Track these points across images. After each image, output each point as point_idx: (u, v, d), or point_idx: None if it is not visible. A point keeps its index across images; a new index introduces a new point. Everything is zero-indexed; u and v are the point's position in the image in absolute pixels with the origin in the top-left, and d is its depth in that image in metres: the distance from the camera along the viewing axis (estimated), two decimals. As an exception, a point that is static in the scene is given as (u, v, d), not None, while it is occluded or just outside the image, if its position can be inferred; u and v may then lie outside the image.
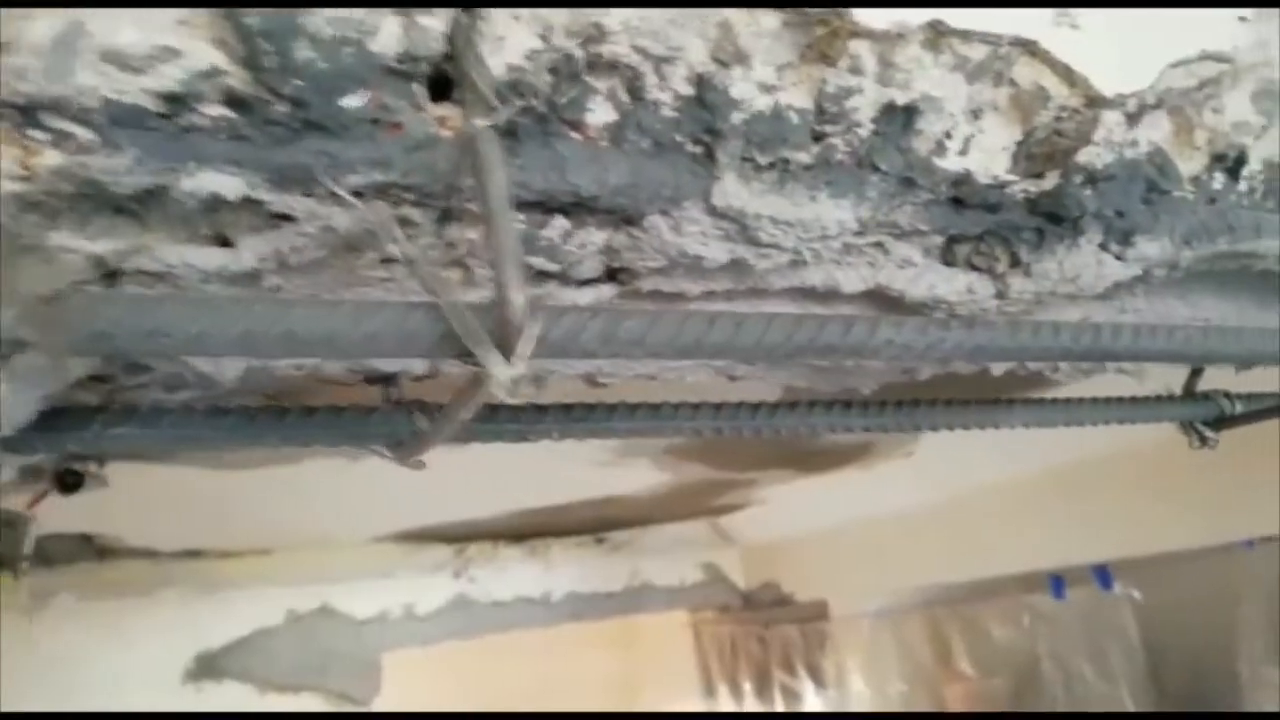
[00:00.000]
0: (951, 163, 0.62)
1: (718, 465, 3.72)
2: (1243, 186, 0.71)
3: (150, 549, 3.73)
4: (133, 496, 3.04)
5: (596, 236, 0.61)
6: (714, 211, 0.61)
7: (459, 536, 4.37)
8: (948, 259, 0.70)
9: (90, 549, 3.56)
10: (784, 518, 4.48)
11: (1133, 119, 0.68)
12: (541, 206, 0.58)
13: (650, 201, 0.59)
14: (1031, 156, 0.65)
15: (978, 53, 0.62)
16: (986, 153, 0.64)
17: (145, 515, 3.31)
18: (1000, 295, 0.71)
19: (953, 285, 0.70)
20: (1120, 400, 0.92)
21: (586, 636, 5.09)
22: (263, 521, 3.67)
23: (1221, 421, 0.91)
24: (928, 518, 3.97)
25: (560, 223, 0.59)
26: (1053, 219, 0.67)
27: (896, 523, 4.08)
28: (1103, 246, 0.71)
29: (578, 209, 0.59)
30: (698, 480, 3.95)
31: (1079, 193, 0.66)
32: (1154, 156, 0.70)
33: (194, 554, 3.88)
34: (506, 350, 0.49)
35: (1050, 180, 0.66)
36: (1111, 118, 0.66)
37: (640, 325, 0.55)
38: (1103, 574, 3.61)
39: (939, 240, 0.68)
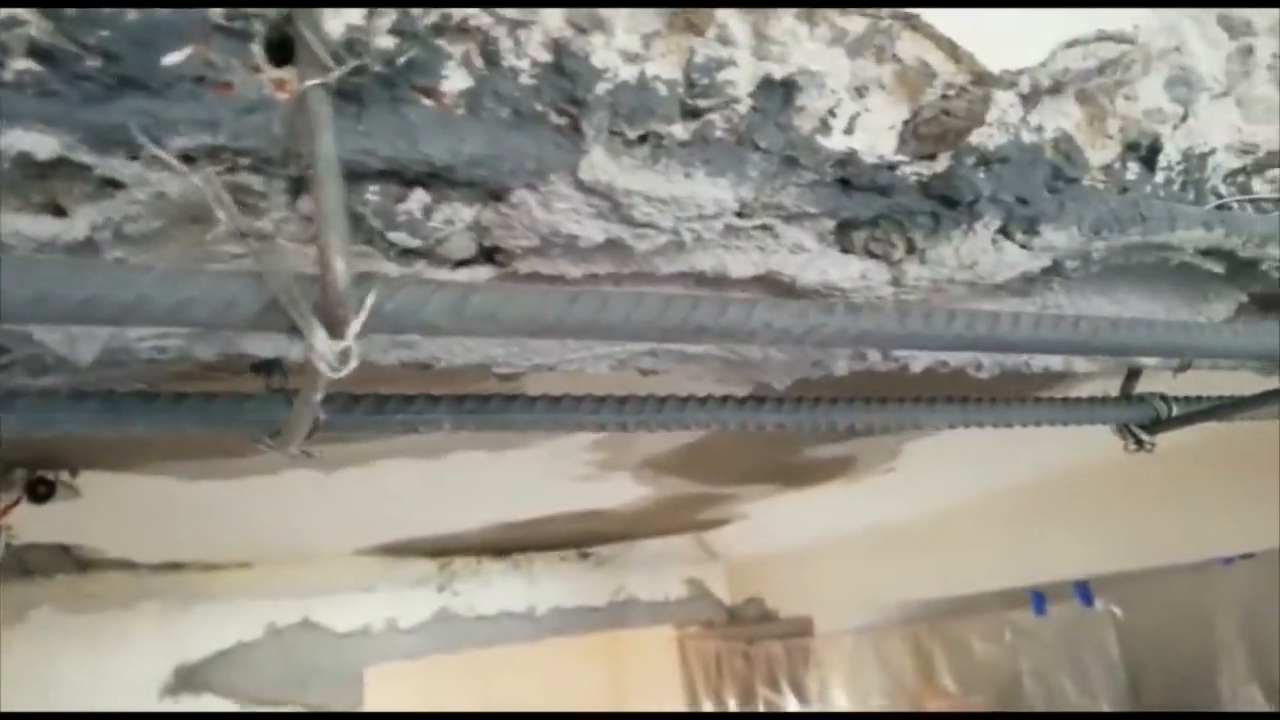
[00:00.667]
0: (836, 142, 0.60)
1: (698, 479, 3.68)
2: (1159, 177, 0.68)
3: (130, 561, 3.69)
4: (111, 507, 3.01)
5: (464, 212, 0.59)
6: (583, 187, 0.58)
7: (442, 550, 4.33)
8: (844, 244, 0.67)
9: (70, 560, 3.52)
10: (768, 533, 4.43)
11: (1029, 100, 0.65)
12: (397, 177, 0.55)
13: (513, 174, 0.56)
14: (921, 137, 0.62)
15: (856, 25, 0.59)
16: (873, 132, 0.61)
17: (124, 526, 3.28)
18: (896, 282, 0.68)
19: (846, 271, 0.67)
20: (1052, 402, 0.89)
21: (571, 651, 5.03)
22: (243, 534, 3.63)
23: (1157, 424, 0.87)
24: (910, 534, 3.92)
25: (420, 196, 0.56)
26: (947, 203, 0.64)
27: (879, 539, 4.03)
28: (1005, 233, 0.68)
29: (436, 181, 0.56)
30: (680, 494, 3.90)
31: (972, 175, 0.63)
32: (1061, 143, 0.68)
33: (175, 566, 3.84)
34: (332, 323, 0.46)
35: (942, 162, 0.63)
36: (1004, 98, 0.64)
37: (492, 300, 0.52)
38: (1084, 590, 3.55)
39: (831, 224, 0.65)
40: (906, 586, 3.97)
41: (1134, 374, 0.91)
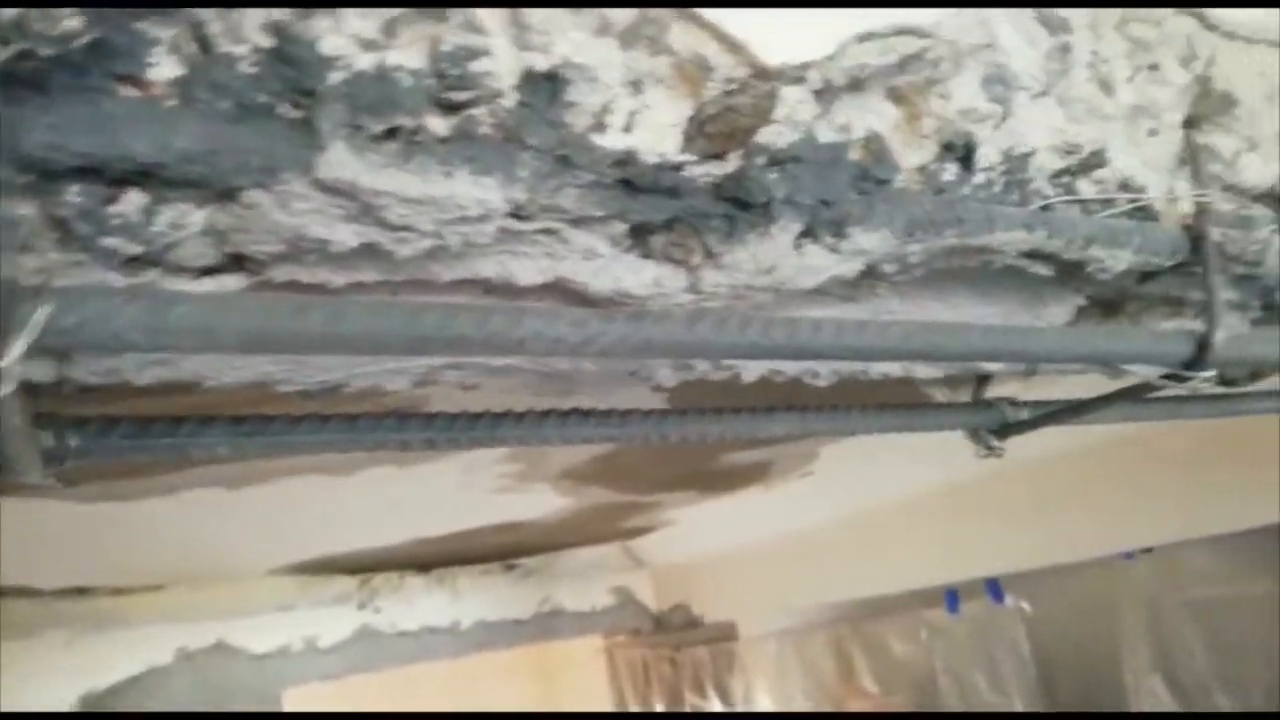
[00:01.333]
0: (613, 140, 0.55)
1: (619, 488, 3.63)
2: (979, 178, 0.64)
3: (31, 587, 3.51)
4: (7, 531, 2.85)
5: (194, 215, 0.53)
6: (323, 186, 0.52)
7: (362, 567, 4.21)
8: (643, 249, 0.63)
9: (-36, 589, 3.34)
10: (693, 539, 4.39)
11: (823, 97, 0.61)
12: (102, 176, 0.49)
13: (238, 172, 0.51)
14: (709, 135, 0.58)
15: (623, 15, 0.55)
16: (654, 130, 0.57)
17: (22, 552, 3.11)
18: (693, 289, 0.63)
19: (640, 278, 0.62)
20: (899, 408, 0.85)
21: (500, 665, 4.94)
22: (151, 556, 3.48)
23: (1007, 429, 0.84)
24: (829, 537, 3.92)
25: (134, 197, 0.50)
26: (740, 205, 0.60)
27: (800, 542, 4.02)
28: (811, 236, 0.64)
29: (150, 180, 0.50)
30: (602, 504, 3.85)
31: (763, 176, 0.59)
32: (870, 142, 0.64)
33: (81, 591, 3.67)
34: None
35: (732, 162, 0.59)
36: (792, 94, 0.59)
37: (202, 311, 0.46)
38: (994, 587, 3.58)
39: (622, 228, 0.61)
40: (827, 589, 3.97)
41: (983, 379, 0.87)
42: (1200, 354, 0.67)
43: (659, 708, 4.53)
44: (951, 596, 3.68)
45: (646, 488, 3.66)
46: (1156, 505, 3.04)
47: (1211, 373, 0.67)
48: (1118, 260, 0.67)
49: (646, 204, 0.59)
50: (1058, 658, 3.44)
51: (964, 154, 0.65)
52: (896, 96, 0.66)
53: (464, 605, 4.34)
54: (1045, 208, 0.66)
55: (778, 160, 0.59)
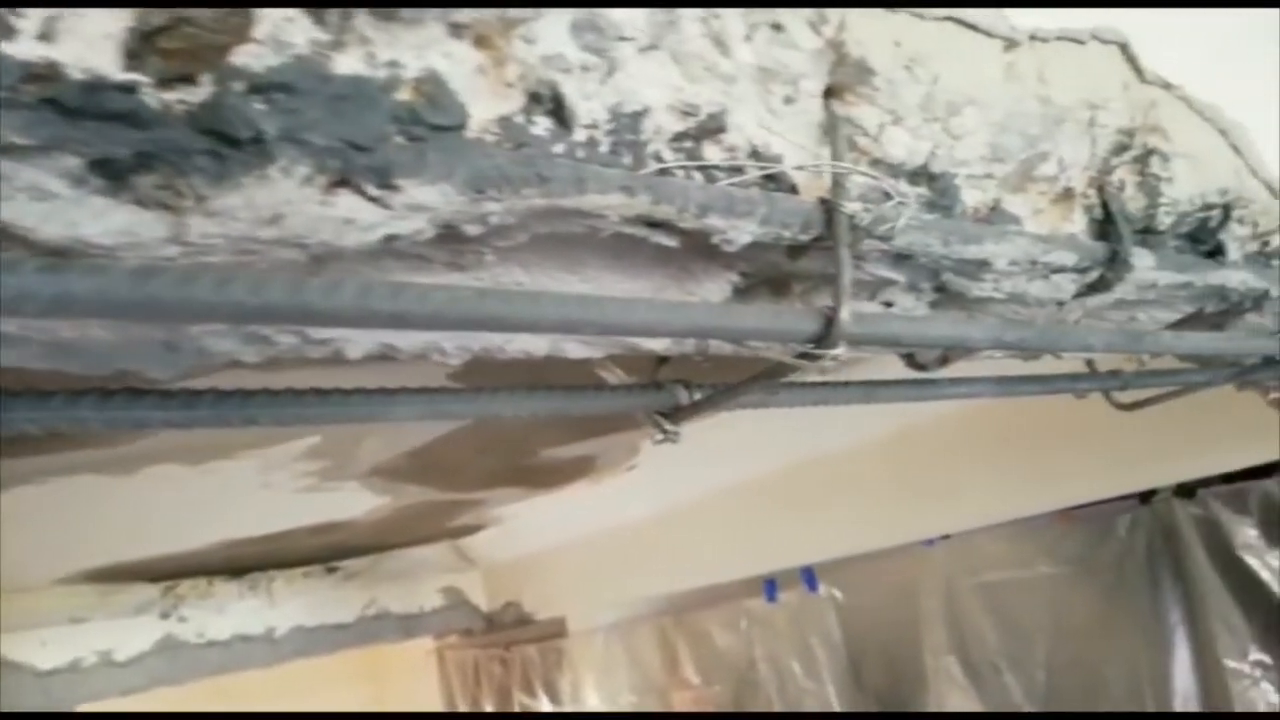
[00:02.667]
0: (26, 50, 0.45)
1: (438, 486, 3.51)
2: (580, 136, 0.58)
3: None
4: None
5: None
6: None
7: (167, 573, 3.92)
8: (121, 192, 0.52)
9: None
10: (523, 536, 4.31)
11: (333, 22, 0.52)
12: None
13: None
14: (165, 52, 0.48)
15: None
16: (85, 40, 0.46)
17: None
18: (178, 239, 0.54)
19: (104, 225, 0.52)
20: (560, 389, 0.78)
21: (328, 671, 4.71)
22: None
23: (679, 412, 0.79)
24: (655, 529, 3.91)
25: None
26: (228, 140, 0.50)
27: (626, 536, 4.00)
28: (347, 186, 0.54)
29: None
30: (422, 502, 3.72)
31: (244, 106, 0.49)
32: (424, 83, 0.54)
33: None
34: None
35: (205, 87, 0.49)
36: (277, 12, 0.50)
37: None
38: (809, 576, 3.65)
39: (77, 162, 0.50)
40: (652, 581, 3.96)
41: (663, 360, 0.82)
42: (828, 331, 0.63)
43: (488, 708, 4.42)
44: (770, 586, 3.74)
45: (467, 485, 3.56)
46: (955, 493, 3.16)
47: (839, 350, 0.64)
48: (741, 231, 0.63)
49: (95, 133, 0.49)
50: (866, 642, 3.54)
51: (554, 107, 0.58)
52: (476, 37, 0.58)
53: (280, 611, 4.11)
54: (663, 172, 0.61)
55: (260, 88, 0.50)
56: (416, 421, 0.73)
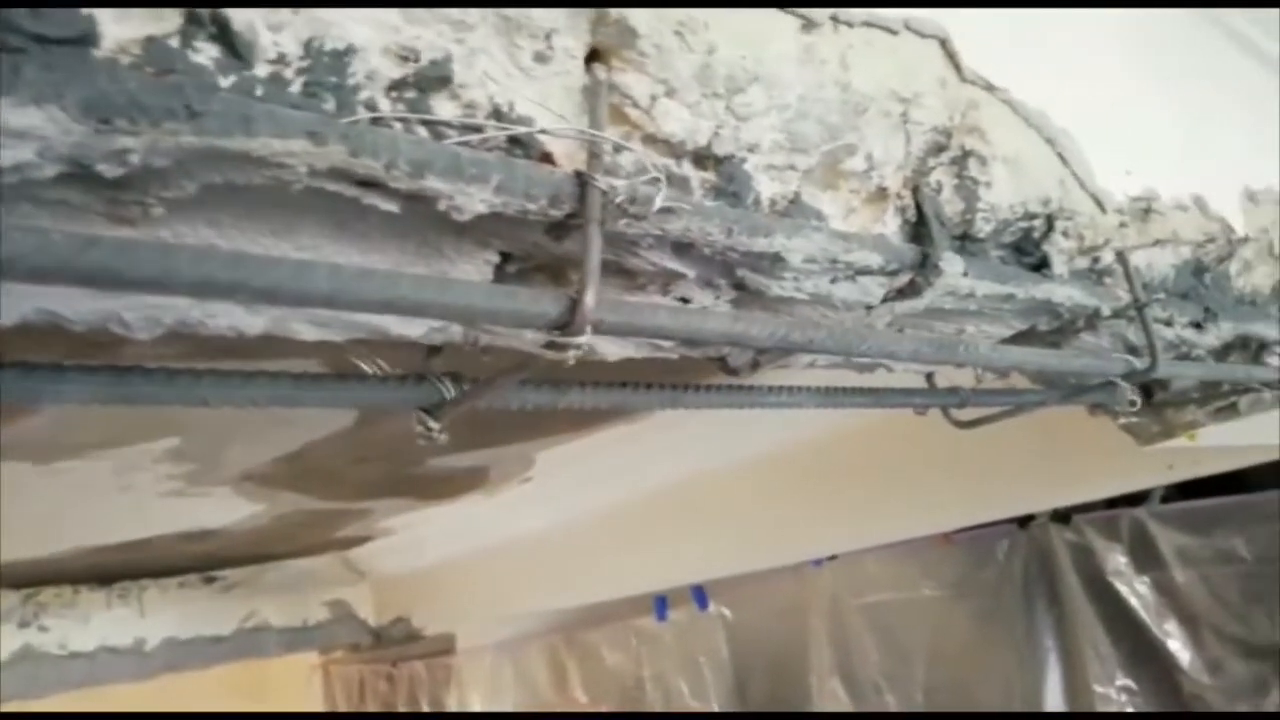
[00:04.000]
0: None
1: (317, 494, 3.35)
2: (261, 71, 0.50)
3: None
4: None
5: None
6: None
7: (26, 580, 3.66)
8: None
9: None
10: (414, 549, 4.15)
11: None
12: None
13: None
14: None
15: None
16: None
17: None
18: None
19: None
20: (300, 378, 0.68)
21: (203, 686, 4.46)
22: None
23: (443, 406, 0.70)
24: (547, 545, 3.80)
25: None
26: None
27: (520, 551, 3.88)
28: None
29: None
30: (302, 510, 3.54)
31: None
32: None
33: None
34: None
35: None
36: None
37: None
38: (700, 594, 3.59)
39: None
40: (544, 598, 3.85)
41: (435, 350, 0.74)
42: (572, 317, 0.56)
43: (372, 727, 4.25)
44: (661, 604, 3.67)
45: (350, 494, 3.40)
46: (843, 514, 3.13)
47: (584, 339, 0.56)
48: (471, 199, 0.55)
49: None
50: (754, 661, 3.49)
51: (220, 33, 0.49)
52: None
53: (151, 622, 3.88)
54: (376, 122, 0.53)
55: None
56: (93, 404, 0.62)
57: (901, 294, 0.83)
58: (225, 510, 3.30)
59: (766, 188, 0.74)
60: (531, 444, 3.21)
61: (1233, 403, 1.44)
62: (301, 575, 4.21)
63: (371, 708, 4.26)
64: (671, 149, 0.67)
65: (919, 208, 0.83)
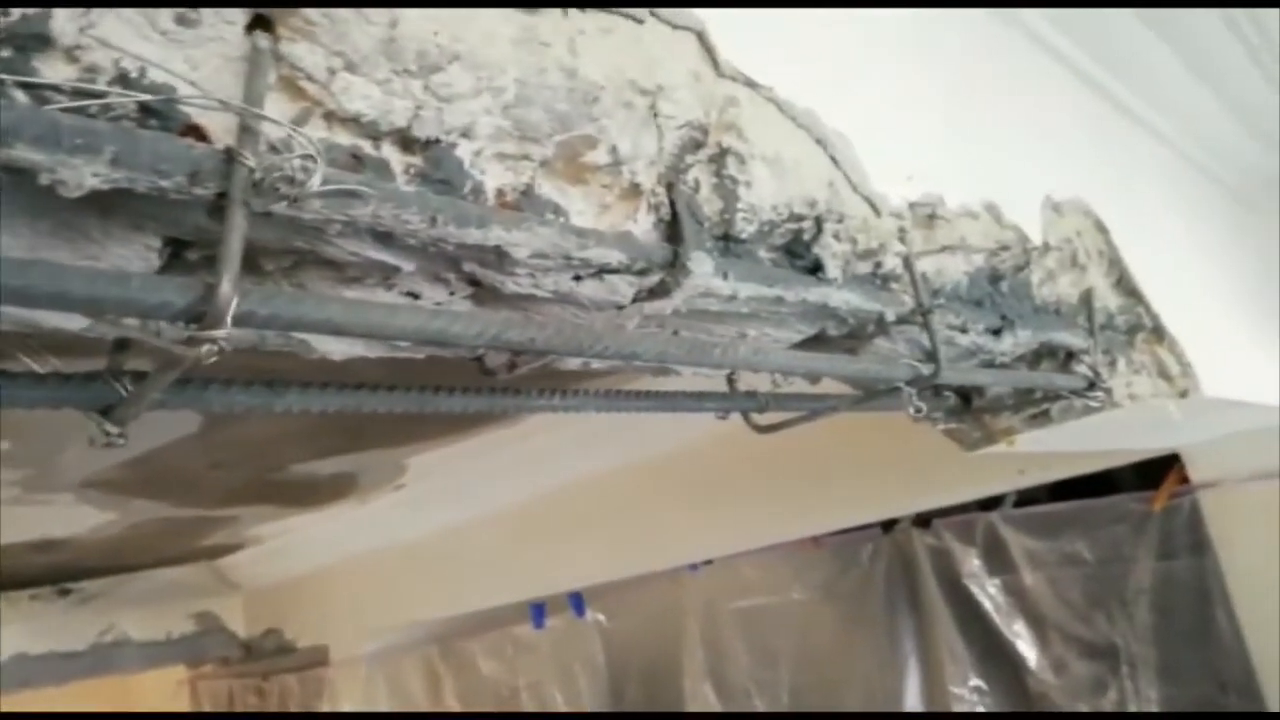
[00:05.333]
0: None
1: (173, 502, 3.17)
2: None
3: None
4: None
5: None
6: None
7: None
8: None
9: None
10: (288, 559, 3.99)
11: None
12: None
13: None
14: None
15: None
16: None
17: None
18: None
19: None
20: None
21: (62, 703, 4.20)
22: None
23: (120, 408, 0.63)
24: (423, 553, 3.70)
25: None
26: None
27: (394, 560, 3.76)
28: None
29: None
30: (159, 518, 3.36)
31: None
32: None
33: None
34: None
35: None
36: None
37: None
38: (577, 601, 3.54)
39: None
40: (421, 607, 3.74)
41: (122, 344, 0.66)
42: (208, 308, 0.50)
43: (241, 742, 4.05)
44: (538, 612, 3.60)
45: (209, 501, 3.24)
46: (718, 519, 3.12)
47: (223, 333, 0.50)
48: (77, 171, 0.48)
49: None
50: (629, 668, 3.46)
51: None
52: None
53: (1, 637, 3.62)
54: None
55: None
56: None
57: (652, 294, 0.79)
58: (71, 518, 3.10)
59: (493, 177, 0.69)
60: (400, 450, 3.11)
61: (1045, 409, 1.46)
62: (167, 586, 4.00)
63: (241, 723, 4.07)
64: (363, 129, 0.61)
65: (673, 206, 0.80)
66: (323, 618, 3.97)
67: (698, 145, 0.81)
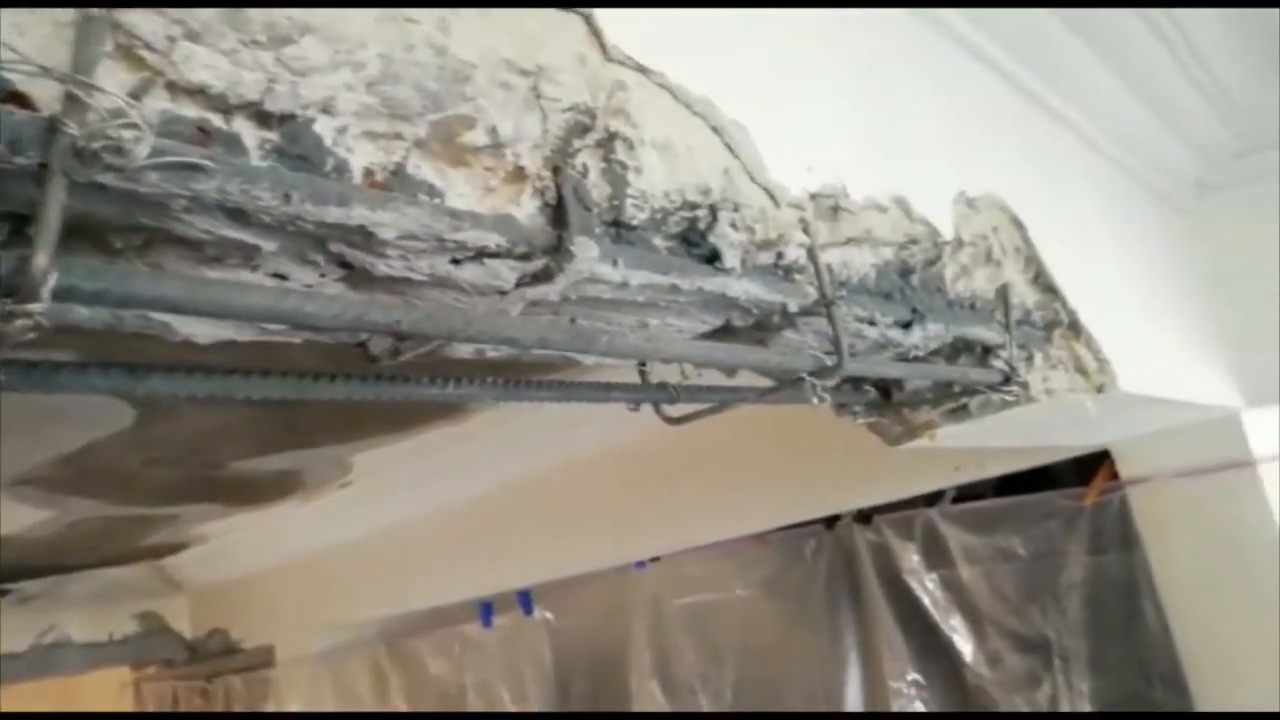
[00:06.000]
0: None
1: (111, 500, 3.10)
2: None
3: None
4: None
5: None
6: None
7: None
8: None
9: None
10: (233, 558, 3.91)
11: None
12: None
13: None
14: None
15: None
16: None
17: None
18: None
19: None
20: None
21: (4, 703, 4.08)
22: None
23: None
24: (371, 552, 3.65)
25: None
26: None
27: (342, 559, 3.71)
28: None
29: None
30: (100, 517, 3.28)
31: None
32: None
33: None
34: None
35: None
36: None
37: None
38: (525, 599, 3.51)
39: None
40: (367, 607, 3.69)
41: None
42: (21, 282, 0.47)
43: (184, 744, 3.96)
44: (486, 610, 3.56)
45: (148, 499, 3.16)
46: (665, 516, 3.11)
47: (38, 307, 0.48)
48: None
49: None
50: (576, 666, 3.43)
51: None
52: None
53: (-67, 639, 3.52)
54: None
55: None
56: None
57: (536, 279, 0.77)
58: (7, 517, 3.01)
59: (361, 155, 0.67)
60: (345, 446, 3.06)
61: (964, 404, 1.47)
62: (109, 586, 3.91)
63: (185, 725, 3.99)
64: (210, 101, 0.59)
65: (559, 190, 0.78)
66: (269, 618, 3.90)
67: (585, 130, 0.79)
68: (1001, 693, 2.61)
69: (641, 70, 0.83)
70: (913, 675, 2.74)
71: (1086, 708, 2.49)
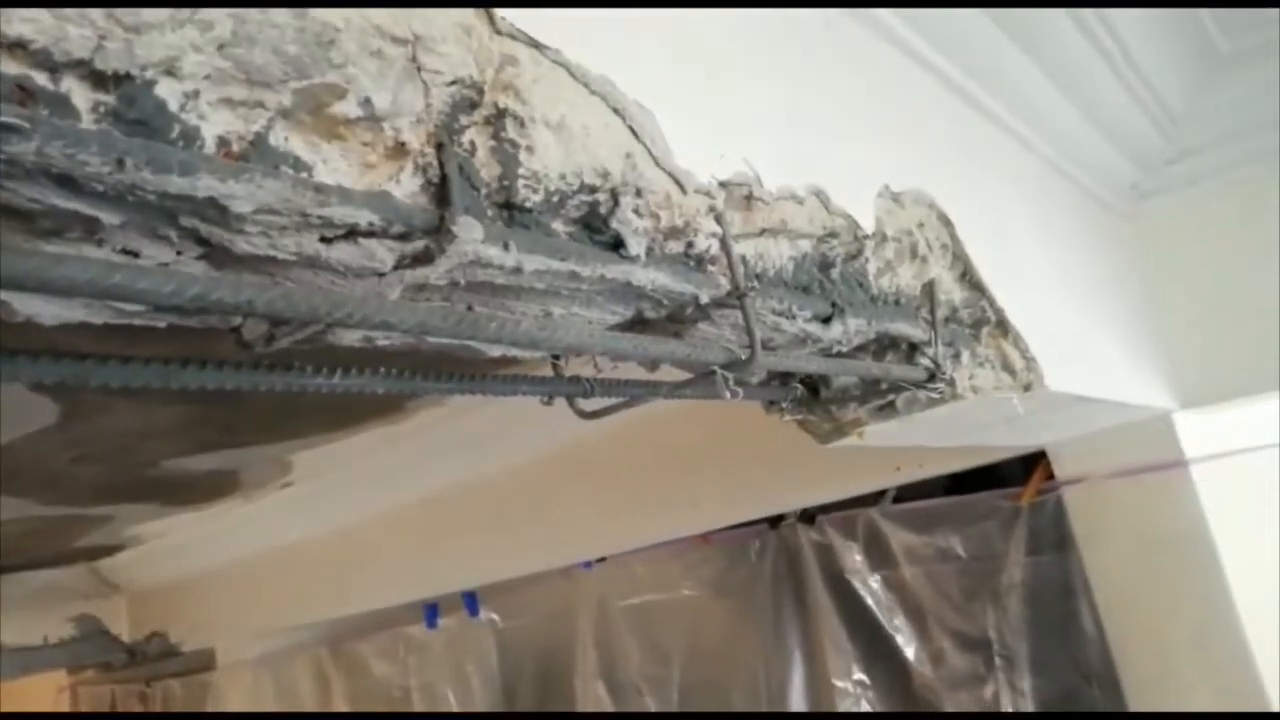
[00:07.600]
0: None
1: (38, 499, 2.99)
2: None
3: None
4: None
5: None
6: None
7: None
8: None
9: None
10: (172, 560, 3.80)
11: None
12: None
13: None
14: None
15: None
16: None
17: None
18: None
19: None
20: None
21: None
22: None
23: None
24: (313, 553, 3.56)
25: None
26: None
27: (283, 560, 3.62)
28: None
29: None
30: (28, 517, 3.16)
31: None
32: None
33: None
34: None
35: None
36: None
37: None
38: (471, 601, 3.45)
39: None
40: (310, 609, 3.60)
41: None
42: None
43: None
44: (431, 612, 3.50)
45: (78, 499, 3.06)
46: (610, 515, 3.07)
47: None
48: None
49: None
50: (522, 667, 3.38)
51: None
52: None
53: None
54: None
55: None
56: None
57: (416, 261, 0.73)
58: (-75, 517, 2.89)
59: (216, 124, 0.62)
60: (283, 445, 2.98)
61: (890, 401, 1.44)
62: (43, 589, 3.77)
63: (122, 730, 3.86)
64: (32, 58, 0.53)
65: (443, 168, 0.73)
66: (210, 620, 3.79)
67: (473, 105, 0.75)
68: (945, 691, 2.60)
69: (535, 45, 0.78)
70: (857, 674, 2.73)
71: (1028, 707, 2.48)
